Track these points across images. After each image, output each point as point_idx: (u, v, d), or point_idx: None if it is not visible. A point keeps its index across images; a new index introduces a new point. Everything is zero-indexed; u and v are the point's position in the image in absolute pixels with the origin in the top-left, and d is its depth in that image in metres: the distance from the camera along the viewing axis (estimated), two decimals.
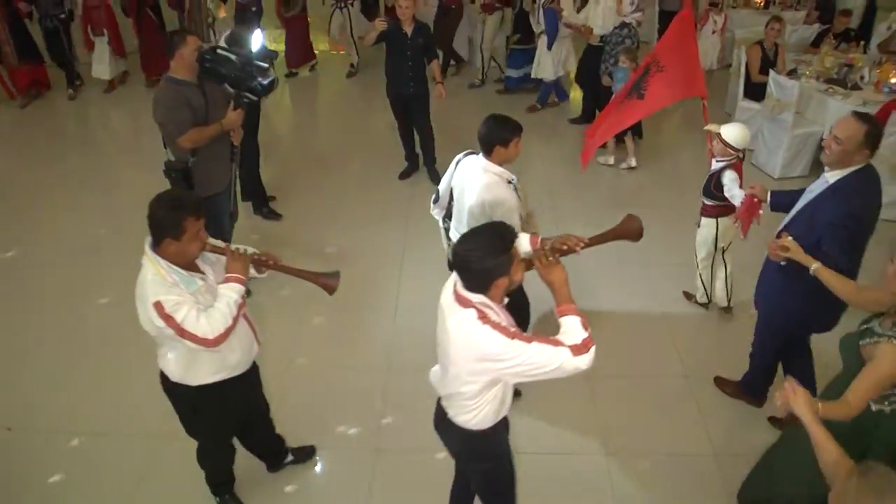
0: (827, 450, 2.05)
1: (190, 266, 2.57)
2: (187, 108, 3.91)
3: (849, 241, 2.91)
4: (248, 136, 4.76)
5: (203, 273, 2.61)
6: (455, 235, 3.52)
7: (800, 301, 3.17)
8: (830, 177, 3.04)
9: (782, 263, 3.02)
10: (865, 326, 2.45)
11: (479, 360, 2.18)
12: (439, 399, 2.56)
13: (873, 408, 2.37)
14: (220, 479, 3.20)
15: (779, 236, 3.05)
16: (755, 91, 6.55)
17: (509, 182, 3.27)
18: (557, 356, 2.11)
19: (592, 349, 2.16)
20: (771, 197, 3.51)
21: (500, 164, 3.25)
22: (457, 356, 2.24)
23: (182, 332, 2.44)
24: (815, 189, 3.15)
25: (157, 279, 2.45)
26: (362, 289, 4.71)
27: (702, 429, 3.74)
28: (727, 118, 6.75)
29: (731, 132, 3.97)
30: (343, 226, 5.55)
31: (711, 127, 4.12)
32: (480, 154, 3.30)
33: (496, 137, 3.20)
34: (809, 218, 3.04)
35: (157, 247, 2.48)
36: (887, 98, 5.90)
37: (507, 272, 2.18)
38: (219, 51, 3.96)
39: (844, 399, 2.30)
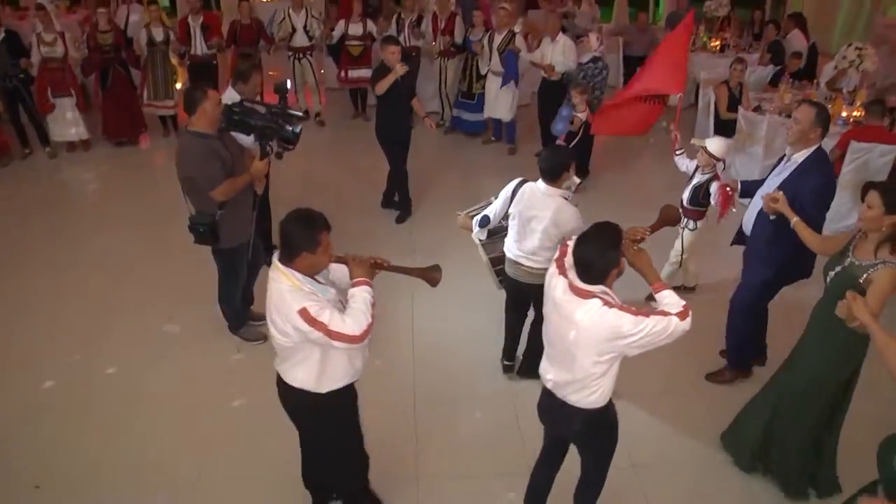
0: (891, 347, 2.58)
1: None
2: (217, 160, 4.00)
3: (826, 204, 3.77)
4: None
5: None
6: (515, 251, 3.88)
7: (789, 249, 3.74)
8: (798, 157, 3.78)
9: (772, 218, 3.67)
10: (841, 267, 3.10)
11: (610, 339, 2.55)
12: (546, 393, 2.91)
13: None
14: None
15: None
16: (724, 128, 7.03)
17: (565, 198, 3.61)
18: (670, 323, 2.54)
19: (691, 312, 2.59)
20: (741, 186, 4.34)
21: (561, 186, 3.57)
22: (588, 341, 2.58)
23: (330, 333, 2.58)
24: (782, 170, 3.88)
25: (294, 289, 2.62)
26: (377, 328, 4.78)
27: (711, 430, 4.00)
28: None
29: (715, 144, 4.76)
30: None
31: (696, 141, 4.92)
32: (539, 181, 3.68)
33: (563, 164, 3.65)
34: (792, 190, 3.66)
35: (290, 261, 2.66)
36: (843, 129, 6.45)
37: (619, 263, 2.61)
38: (245, 103, 4.09)
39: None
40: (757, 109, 7.01)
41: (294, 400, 2.90)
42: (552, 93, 7.35)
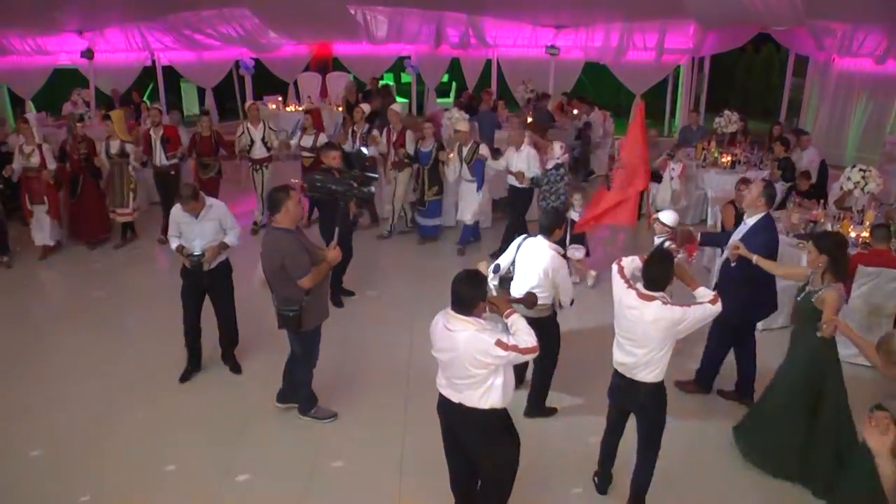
0: (868, 348, 4.15)
1: None
2: (305, 252, 4.78)
3: (774, 253, 5.39)
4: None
5: None
6: (518, 291, 5.07)
7: (747, 295, 5.37)
8: (750, 221, 5.52)
9: (733, 264, 5.32)
10: (804, 294, 4.72)
11: (670, 326, 4.03)
12: (617, 375, 4.34)
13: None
14: None
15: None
16: None
17: (556, 251, 5.13)
18: (706, 309, 4.07)
19: (720, 299, 4.10)
20: (700, 236, 6.03)
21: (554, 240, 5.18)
22: (654, 330, 4.05)
23: (520, 350, 3.58)
24: (741, 231, 5.54)
25: (481, 330, 3.59)
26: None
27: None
28: (706, 273, 7.82)
29: (667, 216, 6.38)
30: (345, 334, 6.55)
31: (654, 217, 6.51)
32: (540, 237, 5.15)
33: (558, 223, 5.21)
34: (747, 246, 5.21)
35: (470, 311, 3.63)
36: (851, 252, 6.95)
37: (672, 278, 4.17)
38: (326, 170, 5.31)
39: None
40: None
41: (484, 423, 3.74)
42: (521, 198, 8.67)
